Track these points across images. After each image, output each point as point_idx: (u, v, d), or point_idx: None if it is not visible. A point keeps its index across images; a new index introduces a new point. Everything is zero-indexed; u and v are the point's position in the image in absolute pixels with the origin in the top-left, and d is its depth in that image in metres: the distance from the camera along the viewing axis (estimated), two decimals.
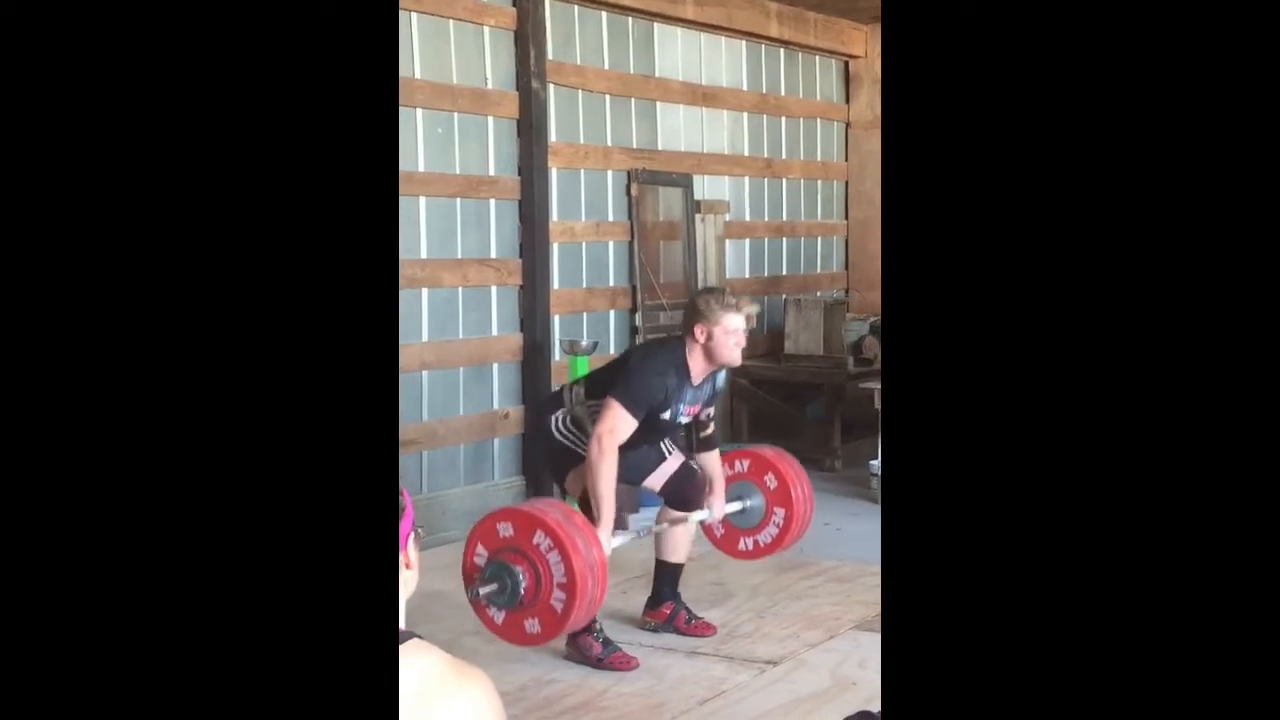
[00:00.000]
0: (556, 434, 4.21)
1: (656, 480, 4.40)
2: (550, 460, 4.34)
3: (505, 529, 3.77)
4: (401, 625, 1.65)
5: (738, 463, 4.67)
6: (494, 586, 3.73)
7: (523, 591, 3.70)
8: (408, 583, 1.73)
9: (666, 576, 4.51)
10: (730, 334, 4.09)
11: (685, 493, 4.40)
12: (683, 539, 4.45)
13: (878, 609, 4.50)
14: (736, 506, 4.58)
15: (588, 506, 4.03)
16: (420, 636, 1.64)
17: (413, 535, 1.73)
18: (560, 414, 4.21)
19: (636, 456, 4.22)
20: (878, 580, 4.89)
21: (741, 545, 4.69)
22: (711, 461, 4.43)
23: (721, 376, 4.37)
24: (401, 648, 1.59)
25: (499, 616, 3.81)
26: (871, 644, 4.19)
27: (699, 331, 4.10)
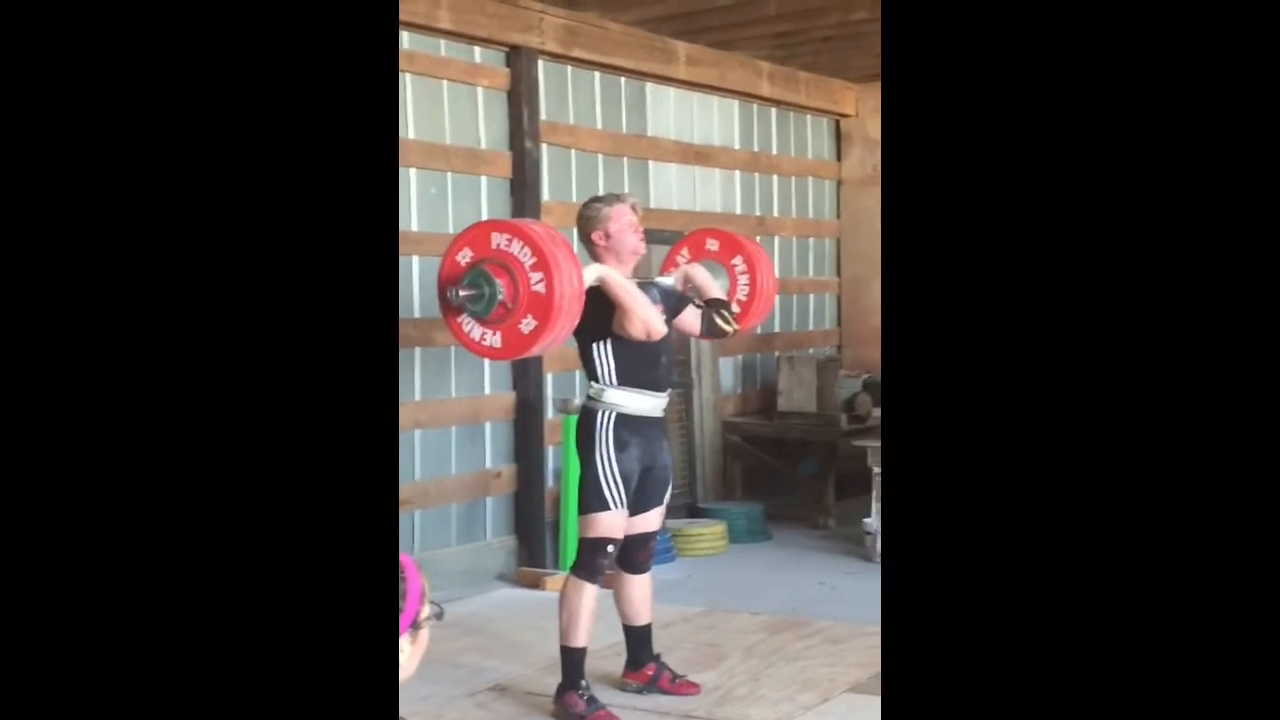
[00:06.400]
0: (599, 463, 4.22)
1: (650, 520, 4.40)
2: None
3: (464, 255, 3.97)
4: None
5: (678, 257, 4.92)
6: (472, 291, 3.90)
7: (502, 296, 3.86)
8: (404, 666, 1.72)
9: (638, 637, 4.50)
10: (626, 225, 4.22)
11: (637, 557, 4.40)
12: (641, 600, 4.45)
13: (872, 671, 4.46)
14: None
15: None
16: None
17: (410, 630, 1.72)
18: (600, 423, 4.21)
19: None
20: (872, 641, 4.86)
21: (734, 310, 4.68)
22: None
23: (666, 284, 4.44)
24: None
25: (497, 340, 3.96)
26: (865, 707, 4.16)
27: (598, 238, 4.23)
